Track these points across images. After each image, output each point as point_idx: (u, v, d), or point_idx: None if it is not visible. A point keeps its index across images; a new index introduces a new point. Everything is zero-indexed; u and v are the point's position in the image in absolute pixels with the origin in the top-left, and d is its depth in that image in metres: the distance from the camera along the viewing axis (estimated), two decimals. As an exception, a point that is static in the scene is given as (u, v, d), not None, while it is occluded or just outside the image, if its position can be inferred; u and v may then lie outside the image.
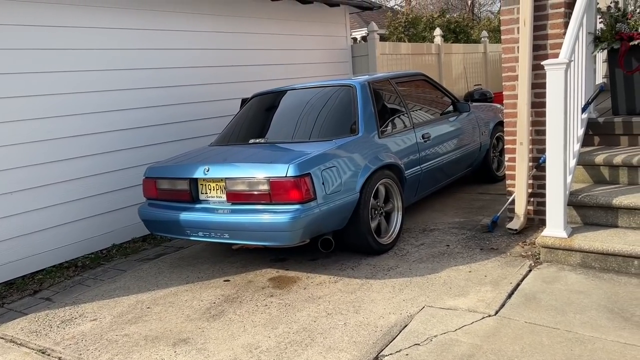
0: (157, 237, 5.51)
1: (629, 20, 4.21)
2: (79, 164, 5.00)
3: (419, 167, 4.77)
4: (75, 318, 3.74)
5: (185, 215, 4.09)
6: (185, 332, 3.34)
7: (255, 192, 3.81)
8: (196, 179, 4.13)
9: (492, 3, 27.69)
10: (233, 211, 3.90)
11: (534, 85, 4.30)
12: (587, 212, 3.89)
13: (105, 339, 3.38)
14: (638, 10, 4.25)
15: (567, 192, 3.78)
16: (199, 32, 6.09)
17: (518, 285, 3.45)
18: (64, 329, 3.59)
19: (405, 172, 4.55)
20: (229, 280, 4.11)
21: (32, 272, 4.68)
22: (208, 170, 4.04)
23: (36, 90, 4.67)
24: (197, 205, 4.12)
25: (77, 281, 4.50)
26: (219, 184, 4.02)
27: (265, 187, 3.75)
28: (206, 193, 4.11)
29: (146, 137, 5.55)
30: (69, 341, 3.39)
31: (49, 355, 3.26)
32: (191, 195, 4.15)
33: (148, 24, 5.55)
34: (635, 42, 4.14)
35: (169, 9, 5.76)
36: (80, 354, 3.21)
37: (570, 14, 4.05)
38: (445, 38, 11.90)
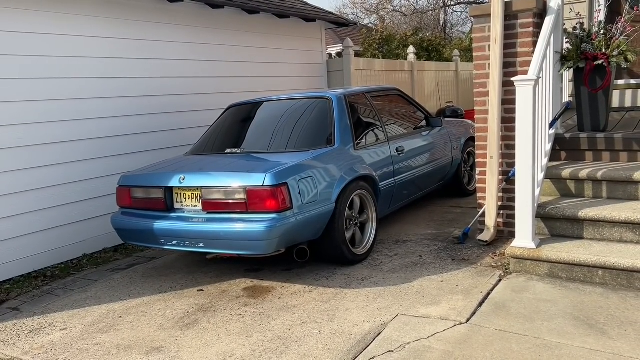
0: (129, 247, 5.44)
1: (593, 41, 4.41)
2: (50, 172, 4.92)
3: (393, 179, 4.85)
4: (45, 327, 3.66)
5: (159, 224, 4.06)
6: (159, 341, 3.31)
7: (232, 201, 3.82)
8: (171, 188, 4.12)
9: (463, 24, 28.41)
10: (208, 220, 3.90)
11: (504, 101, 4.44)
12: (554, 224, 4.02)
13: (75, 348, 3.32)
14: (602, 32, 4.45)
15: (536, 204, 3.90)
16: (176, 42, 6.09)
17: (488, 294, 3.53)
18: (32, 338, 3.51)
19: (380, 184, 4.63)
20: (202, 290, 4.09)
21: (-2, 282, 4.58)
22: (184, 179, 4.03)
23: (5, 96, 4.59)
24: (172, 214, 4.11)
25: (46, 291, 4.41)
26: (194, 192, 4.01)
27: (241, 196, 3.77)
28: (181, 202, 4.10)
29: (120, 147, 5.50)
30: (38, 350, 3.32)
31: (16, 364, 3.19)
32: (166, 204, 4.13)
33: (124, 34, 5.54)
34: (600, 62, 4.33)
35: (145, 19, 5.76)
36: (50, 363, 3.15)
37: (539, 33, 4.22)
38: (418, 56, 12.15)
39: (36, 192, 4.82)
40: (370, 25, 24.28)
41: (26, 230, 4.75)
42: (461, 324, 3.15)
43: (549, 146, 4.32)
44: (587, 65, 4.39)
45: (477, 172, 4.76)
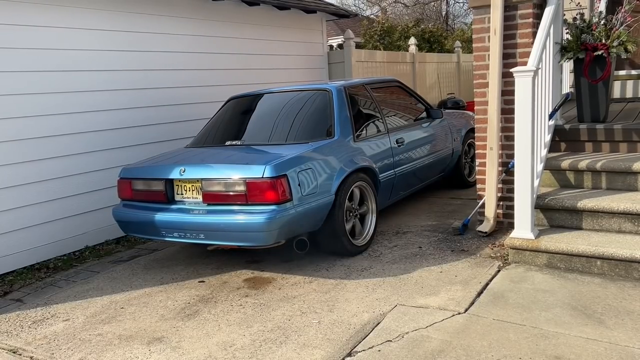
0: (131, 239, 5.48)
1: (593, 32, 4.40)
2: (52, 165, 4.95)
3: (392, 171, 4.87)
4: (47, 318, 3.70)
5: (160, 216, 4.09)
6: (160, 331, 3.34)
7: (232, 193, 3.84)
8: (172, 180, 4.14)
9: (465, 15, 28.27)
10: (209, 212, 3.92)
11: (503, 92, 4.44)
12: (553, 215, 4.03)
13: (78, 338, 3.36)
14: (602, 22, 4.43)
15: (535, 195, 3.92)
16: (176, 35, 6.10)
17: (487, 284, 3.56)
18: (35, 329, 3.55)
19: (380, 176, 4.64)
20: (203, 281, 4.12)
21: (1, 274, 4.60)
22: (184, 171, 4.05)
23: (8, 89, 4.62)
24: (173, 206, 4.13)
25: (49, 282, 4.45)
26: (195, 184, 4.03)
27: (241, 187, 3.79)
28: (182, 194, 4.12)
29: (121, 139, 5.52)
30: (41, 341, 3.36)
31: (20, 355, 3.23)
32: (166, 196, 4.15)
33: (124, 26, 5.54)
34: (599, 53, 4.32)
35: (146, 12, 5.76)
36: (53, 353, 3.18)
37: (539, 24, 4.21)
38: (419, 47, 12.11)
39: (38, 185, 4.85)
40: (371, 16, 24.17)
41: (29, 222, 4.79)
42: (459, 314, 3.18)
43: (548, 137, 4.33)
44: (587, 56, 4.38)
45: (477, 163, 4.76)
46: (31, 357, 3.18)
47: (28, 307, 3.95)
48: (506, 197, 4.56)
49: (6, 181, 4.61)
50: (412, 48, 10.84)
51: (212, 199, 3.93)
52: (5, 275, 4.62)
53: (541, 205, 4.03)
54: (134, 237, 5.42)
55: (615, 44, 4.29)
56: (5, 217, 4.62)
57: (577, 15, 4.57)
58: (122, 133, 5.53)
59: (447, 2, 26.89)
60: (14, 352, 3.26)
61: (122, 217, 4.37)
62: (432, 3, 26.93)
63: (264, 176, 3.71)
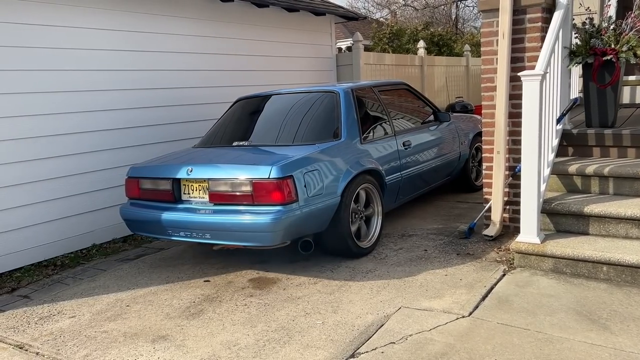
0: (138, 238, 5.51)
1: (602, 37, 4.38)
2: (61, 163, 4.99)
3: (399, 173, 4.87)
4: (54, 315, 3.73)
5: (167, 215, 4.11)
6: (165, 330, 3.36)
7: (238, 193, 3.86)
8: (179, 179, 4.17)
9: (475, 18, 28.17)
10: (215, 211, 3.94)
11: (511, 96, 4.43)
12: (559, 220, 4.02)
13: (83, 335, 3.38)
14: (612, 27, 4.42)
15: (541, 200, 3.90)
16: (186, 35, 6.13)
17: (492, 288, 3.55)
18: (42, 325, 3.58)
19: (386, 178, 4.64)
20: (209, 281, 4.14)
21: (9, 270, 4.65)
22: (191, 171, 4.08)
23: (19, 87, 4.67)
24: (180, 206, 4.16)
25: (56, 280, 4.49)
26: (201, 184, 4.06)
27: (248, 188, 3.81)
28: (189, 193, 4.15)
29: (129, 138, 5.56)
30: (47, 337, 3.39)
31: (26, 350, 3.26)
32: (173, 195, 4.18)
33: (133, 26, 5.58)
34: (608, 57, 4.30)
35: (155, 12, 5.80)
36: (59, 349, 3.21)
37: (547, 28, 4.20)
38: (428, 50, 12.11)
39: (47, 183, 4.89)
40: (380, 19, 24.17)
41: (37, 220, 4.83)
42: (463, 317, 3.17)
43: (556, 142, 4.31)
44: (596, 60, 4.37)
45: (483, 166, 4.75)
46: (37, 353, 3.21)
47: (35, 303, 3.98)
48: (513, 201, 4.55)
49: (16, 179, 4.66)
50: (421, 51, 10.84)
51: (218, 198, 3.95)
52: (13, 271, 4.66)
53: (548, 210, 4.02)
54: (141, 236, 5.45)
55: (624, 48, 4.27)
56: (14, 214, 4.67)
57: (586, 19, 4.55)
58: (130, 132, 5.57)
59: (456, 6, 26.83)
60: (20, 348, 3.29)
61: (129, 216, 4.40)
62: (442, 6, 26.88)
63: (271, 177, 3.73)
